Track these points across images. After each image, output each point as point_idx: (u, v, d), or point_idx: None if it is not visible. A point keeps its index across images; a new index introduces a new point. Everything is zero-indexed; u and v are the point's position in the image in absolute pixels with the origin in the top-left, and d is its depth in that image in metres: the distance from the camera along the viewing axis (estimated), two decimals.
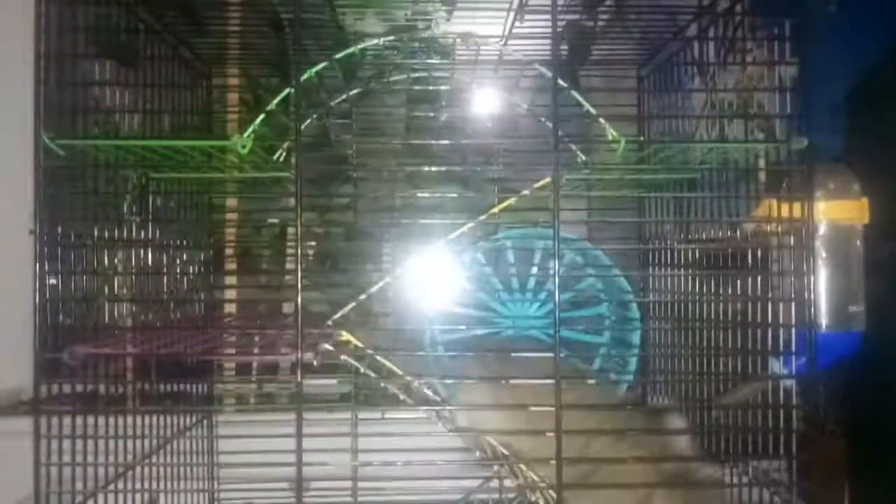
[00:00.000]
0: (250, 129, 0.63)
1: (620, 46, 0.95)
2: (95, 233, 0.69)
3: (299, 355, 0.62)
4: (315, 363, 0.61)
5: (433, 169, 1.23)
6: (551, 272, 0.68)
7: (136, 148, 0.64)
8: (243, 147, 0.63)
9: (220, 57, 1.01)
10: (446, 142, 1.23)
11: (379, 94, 1.25)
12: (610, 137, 0.64)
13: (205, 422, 0.97)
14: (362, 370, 0.73)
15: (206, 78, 1.02)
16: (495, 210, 0.88)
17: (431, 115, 1.25)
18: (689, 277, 0.84)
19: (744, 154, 0.73)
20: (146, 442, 0.80)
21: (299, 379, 0.63)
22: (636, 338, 0.88)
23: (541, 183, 0.88)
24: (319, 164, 1.23)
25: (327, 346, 0.67)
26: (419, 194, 1.19)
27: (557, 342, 0.65)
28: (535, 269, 1.01)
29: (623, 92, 1.05)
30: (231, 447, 0.95)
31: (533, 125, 1.28)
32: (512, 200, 0.87)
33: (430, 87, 1.18)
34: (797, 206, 0.68)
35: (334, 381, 1.04)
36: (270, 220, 1.18)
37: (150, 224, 0.78)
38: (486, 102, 1.39)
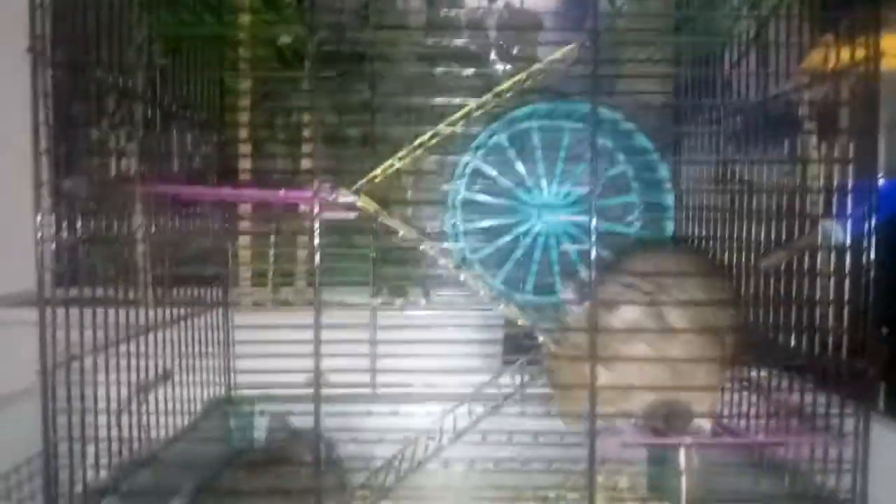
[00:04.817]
0: None
1: None
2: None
3: (315, 198, 0.58)
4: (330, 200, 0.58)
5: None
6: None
7: None
8: None
9: None
10: (465, 40, 1.16)
11: None
12: None
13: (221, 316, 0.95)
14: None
15: None
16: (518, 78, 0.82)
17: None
18: (731, 138, 0.78)
19: None
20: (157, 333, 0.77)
21: (316, 226, 0.59)
22: (670, 199, 0.86)
23: (570, 47, 0.82)
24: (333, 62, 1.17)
25: (343, 195, 0.63)
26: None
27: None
28: (562, 154, 0.95)
29: None
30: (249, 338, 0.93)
31: None
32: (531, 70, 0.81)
33: None
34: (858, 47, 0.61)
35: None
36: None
37: (156, 83, 0.73)
38: None
